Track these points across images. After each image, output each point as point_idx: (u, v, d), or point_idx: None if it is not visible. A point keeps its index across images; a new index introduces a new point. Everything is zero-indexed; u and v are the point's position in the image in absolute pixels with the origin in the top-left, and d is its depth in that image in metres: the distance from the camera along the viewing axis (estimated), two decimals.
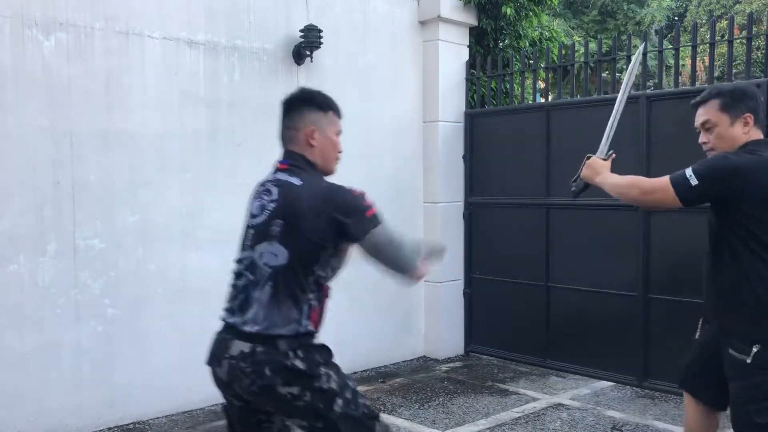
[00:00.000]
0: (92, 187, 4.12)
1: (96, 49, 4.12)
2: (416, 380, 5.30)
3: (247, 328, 2.10)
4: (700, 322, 2.92)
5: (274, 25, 4.94)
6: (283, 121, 2.32)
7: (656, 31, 16.08)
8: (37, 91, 3.91)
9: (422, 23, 5.87)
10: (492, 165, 5.85)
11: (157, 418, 4.41)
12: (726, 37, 4.80)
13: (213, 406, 4.65)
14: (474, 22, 6.03)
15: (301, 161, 2.25)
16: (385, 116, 5.63)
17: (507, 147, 5.72)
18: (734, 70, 5.41)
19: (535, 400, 4.79)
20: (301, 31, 4.92)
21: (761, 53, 8.42)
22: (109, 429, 4.21)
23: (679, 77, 5.06)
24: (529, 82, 6.21)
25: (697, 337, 2.96)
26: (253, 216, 2.23)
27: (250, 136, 4.81)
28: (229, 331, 2.17)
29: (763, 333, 2.43)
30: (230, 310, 2.20)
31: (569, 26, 17.37)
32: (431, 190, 5.90)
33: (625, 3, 17.88)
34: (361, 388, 5.06)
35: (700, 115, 2.73)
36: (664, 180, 2.62)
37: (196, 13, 4.54)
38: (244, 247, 2.24)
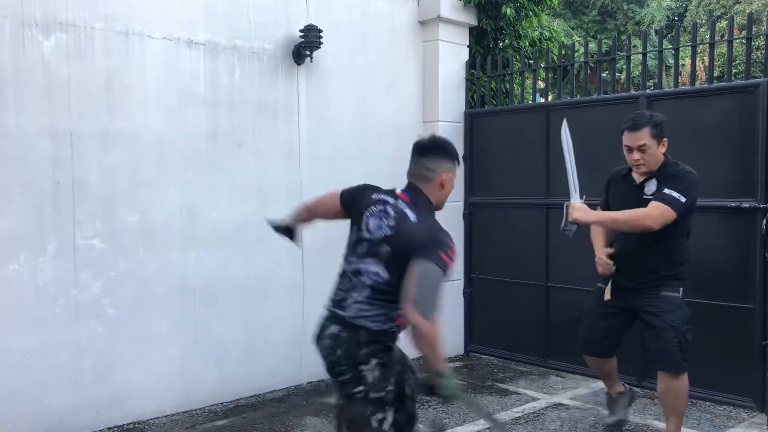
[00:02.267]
0: (92, 187, 4.12)
1: (96, 49, 4.12)
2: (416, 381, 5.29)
3: (342, 313, 2.60)
4: (610, 287, 3.78)
5: (274, 25, 4.94)
6: (420, 161, 2.67)
7: (656, 31, 16.07)
8: (37, 91, 3.92)
9: (422, 23, 5.87)
10: (492, 165, 5.86)
11: (157, 418, 4.41)
12: (726, 37, 4.81)
13: (213, 405, 4.66)
14: (474, 22, 6.04)
15: (421, 199, 2.64)
16: (385, 116, 5.63)
17: (507, 147, 5.72)
18: (734, 70, 5.41)
19: (535, 399, 4.80)
20: (301, 31, 4.92)
21: (761, 53, 8.42)
22: (109, 429, 4.21)
23: (679, 77, 5.06)
24: (529, 82, 6.21)
25: (607, 299, 3.79)
26: (369, 231, 2.62)
27: (250, 136, 4.82)
28: (329, 317, 2.67)
29: (682, 279, 3.62)
30: (332, 303, 2.69)
31: (569, 26, 17.38)
32: None
33: (625, 3, 17.89)
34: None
35: (638, 138, 3.54)
36: (662, 206, 3.44)
37: (196, 13, 4.54)
38: (355, 253, 2.65)
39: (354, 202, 2.75)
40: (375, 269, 2.55)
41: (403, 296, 2.44)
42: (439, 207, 2.72)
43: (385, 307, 2.55)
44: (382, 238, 2.55)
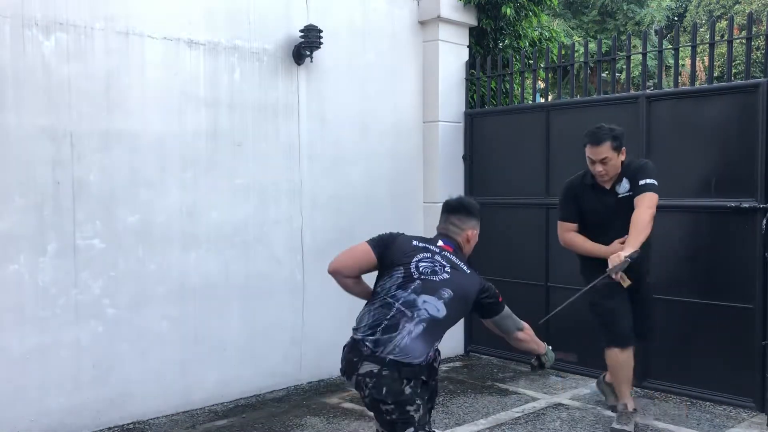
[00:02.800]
0: (92, 187, 4.12)
1: (96, 49, 4.13)
2: None
3: (381, 353, 2.73)
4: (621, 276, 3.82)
5: (274, 26, 4.94)
6: (451, 218, 3.13)
7: (656, 31, 16.07)
8: (37, 91, 3.92)
9: (422, 23, 5.87)
10: (492, 165, 5.86)
11: (157, 418, 4.41)
12: (726, 37, 4.81)
13: (213, 405, 4.66)
14: (474, 22, 6.04)
15: (459, 249, 3.08)
16: (385, 116, 5.63)
17: (507, 147, 5.72)
18: (734, 70, 5.41)
19: (534, 399, 4.80)
20: (301, 31, 4.92)
21: (761, 53, 8.42)
22: (109, 429, 4.21)
23: (679, 77, 5.06)
24: (528, 82, 6.21)
25: (628, 284, 3.84)
26: (421, 272, 2.90)
27: (250, 136, 4.82)
28: (360, 353, 2.78)
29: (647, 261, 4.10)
30: (369, 333, 2.81)
31: (569, 26, 17.37)
32: (431, 190, 5.90)
33: (625, 3, 17.87)
34: None
35: (601, 153, 3.91)
36: (649, 194, 3.81)
37: (196, 13, 4.54)
38: (405, 289, 2.86)
39: (389, 248, 3.00)
40: (435, 304, 2.82)
41: (506, 332, 3.11)
42: (467, 256, 3.16)
43: (433, 342, 2.84)
44: (442, 281, 2.87)
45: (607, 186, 4.04)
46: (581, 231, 4.21)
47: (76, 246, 4.06)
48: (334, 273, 3.09)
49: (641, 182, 3.85)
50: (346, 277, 3.07)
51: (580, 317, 5.30)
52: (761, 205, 4.32)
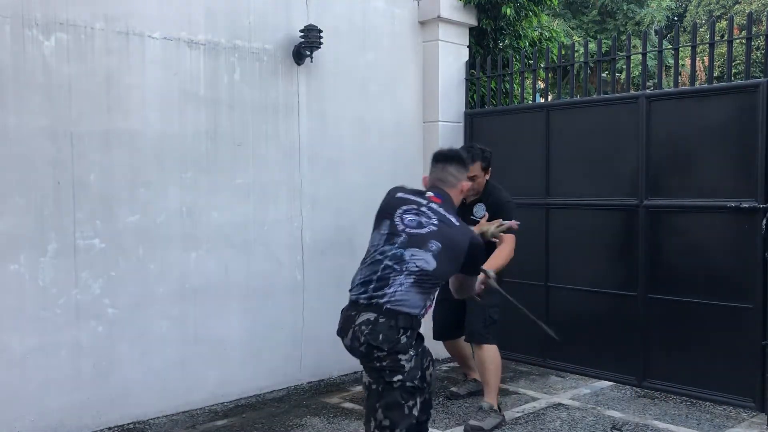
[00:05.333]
0: (92, 187, 4.12)
1: (96, 49, 4.13)
2: None
3: (377, 301, 2.75)
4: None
5: (274, 26, 4.94)
6: (448, 168, 3.06)
7: (656, 31, 16.08)
8: (37, 91, 3.91)
9: (422, 23, 5.87)
10: (492, 165, 5.84)
11: (157, 418, 4.41)
12: (725, 38, 4.81)
13: (213, 405, 4.66)
14: (474, 23, 6.04)
15: (449, 201, 3.01)
16: (385, 116, 5.63)
17: (507, 147, 5.72)
18: (734, 70, 5.41)
19: (534, 399, 4.80)
20: (301, 31, 4.92)
21: (761, 53, 8.41)
22: (109, 429, 4.21)
23: (679, 77, 5.06)
24: (528, 82, 6.21)
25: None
26: (406, 224, 2.88)
27: (250, 136, 4.82)
28: (357, 307, 2.81)
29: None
30: (362, 290, 2.82)
31: (569, 26, 17.37)
32: None
33: (625, 3, 17.88)
34: (360, 388, 5.07)
35: (471, 171, 4.13)
36: (514, 238, 4.29)
37: (196, 13, 4.54)
38: (392, 243, 2.85)
39: (381, 205, 3.03)
40: (423, 257, 2.80)
41: (466, 290, 3.13)
42: (458, 206, 3.13)
43: (423, 293, 2.80)
44: (428, 233, 2.84)
45: (467, 201, 4.41)
46: None
47: (76, 246, 4.06)
48: None
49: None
50: None
51: (581, 317, 5.31)
52: (761, 205, 4.33)
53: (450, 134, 5.91)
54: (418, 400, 2.77)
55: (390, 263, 2.80)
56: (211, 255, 4.64)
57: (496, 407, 4.32)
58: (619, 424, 4.29)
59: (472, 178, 4.22)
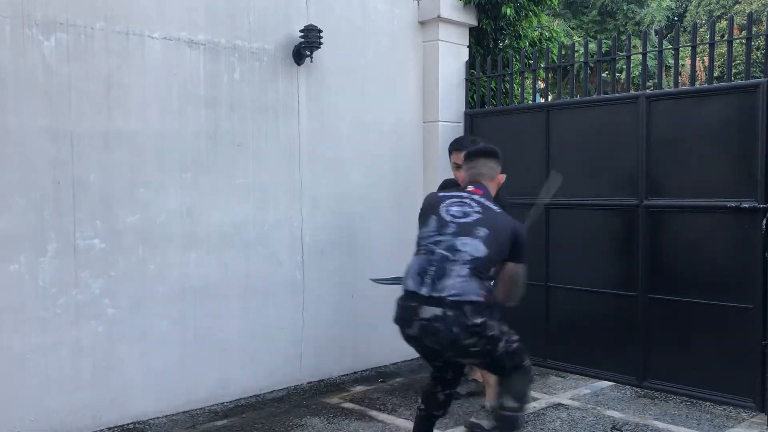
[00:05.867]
0: (92, 187, 4.12)
1: (96, 49, 4.13)
2: (416, 380, 5.30)
3: (439, 295, 2.90)
4: None
5: (274, 26, 4.94)
6: (489, 163, 3.33)
7: (656, 31, 16.08)
8: (37, 91, 3.92)
9: (422, 23, 5.87)
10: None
11: (157, 418, 4.41)
12: (726, 37, 4.80)
13: (213, 405, 4.66)
14: (474, 23, 6.04)
15: (488, 192, 3.27)
16: (385, 116, 5.63)
17: (507, 147, 5.66)
18: (734, 70, 5.41)
19: (534, 399, 4.79)
20: (301, 31, 4.92)
21: (761, 53, 8.42)
22: (109, 429, 4.21)
23: (679, 77, 5.06)
24: (528, 82, 6.21)
25: None
26: (454, 215, 3.09)
27: (250, 137, 4.82)
28: (417, 298, 2.94)
29: None
30: (419, 280, 2.97)
31: (569, 26, 17.38)
32: (431, 190, 5.85)
33: (625, 3, 17.88)
34: (360, 388, 5.09)
35: (459, 158, 4.14)
36: None
37: (196, 13, 4.54)
38: (443, 234, 3.05)
39: (423, 210, 3.27)
40: (473, 244, 2.99)
41: (503, 287, 3.23)
42: (493, 196, 3.34)
43: (481, 278, 2.98)
44: (475, 221, 3.05)
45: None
46: None
47: (76, 246, 4.06)
48: None
49: None
50: None
51: (581, 318, 5.31)
52: (761, 205, 4.33)
53: (450, 134, 5.89)
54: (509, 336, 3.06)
55: (444, 253, 2.98)
56: (211, 255, 4.64)
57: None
58: (619, 424, 4.29)
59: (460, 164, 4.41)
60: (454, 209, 3.12)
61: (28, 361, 3.91)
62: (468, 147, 4.41)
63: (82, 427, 4.11)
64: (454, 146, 4.48)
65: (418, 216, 3.30)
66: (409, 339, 3.07)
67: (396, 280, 4.32)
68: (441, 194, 3.27)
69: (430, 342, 2.98)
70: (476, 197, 3.18)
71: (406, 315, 3.00)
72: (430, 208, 3.20)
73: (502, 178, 3.38)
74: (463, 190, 3.26)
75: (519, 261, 3.21)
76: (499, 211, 3.15)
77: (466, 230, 3.03)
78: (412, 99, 5.86)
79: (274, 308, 4.99)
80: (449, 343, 2.93)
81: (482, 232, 3.03)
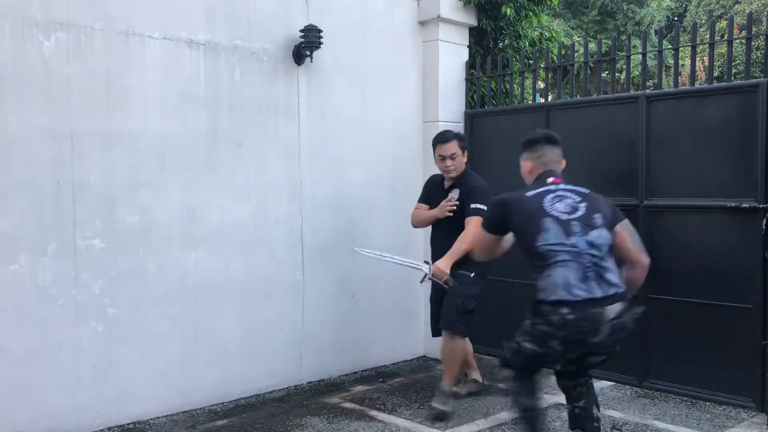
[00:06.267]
0: (92, 187, 4.12)
1: (96, 49, 4.13)
2: (416, 380, 5.30)
3: (612, 291, 2.98)
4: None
5: (274, 26, 4.94)
6: (555, 150, 3.40)
7: (656, 31, 16.07)
8: (37, 91, 3.92)
9: (422, 23, 5.87)
10: (492, 165, 5.84)
11: (157, 418, 4.41)
12: (725, 37, 4.80)
13: (213, 405, 4.66)
14: (474, 23, 6.04)
15: (562, 177, 3.32)
16: (384, 116, 5.63)
17: (507, 147, 5.70)
18: (734, 70, 5.41)
19: None
20: (301, 31, 4.92)
21: (761, 53, 8.42)
22: (109, 429, 4.21)
23: (679, 77, 5.06)
24: (528, 82, 6.21)
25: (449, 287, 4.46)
26: (564, 212, 3.09)
27: (250, 136, 4.82)
28: (598, 302, 2.95)
29: (475, 264, 4.22)
30: (586, 287, 2.97)
31: (569, 26, 17.39)
32: None
33: (625, 3, 17.90)
34: (360, 388, 5.09)
35: (449, 149, 4.56)
36: (479, 221, 4.08)
37: (196, 13, 4.54)
38: (572, 234, 3.04)
39: (508, 220, 3.25)
40: (600, 233, 3.05)
41: (631, 250, 3.19)
42: None
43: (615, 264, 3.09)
44: (586, 210, 3.09)
45: (447, 185, 4.69)
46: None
47: (76, 246, 4.06)
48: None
49: (472, 206, 4.42)
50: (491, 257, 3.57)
51: None
52: (761, 205, 4.33)
53: None
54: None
55: (590, 251, 3.01)
56: (211, 255, 4.64)
57: (454, 389, 4.61)
58: (619, 424, 4.29)
59: (452, 156, 4.56)
60: (560, 207, 3.11)
61: (28, 361, 3.91)
62: (451, 137, 4.61)
63: (82, 427, 4.11)
64: (439, 139, 4.64)
65: (514, 225, 3.23)
66: (596, 346, 3.05)
67: (378, 255, 4.64)
68: (527, 196, 3.20)
69: (613, 341, 3.04)
70: (562, 186, 3.22)
71: (593, 323, 2.95)
72: (531, 214, 3.12)
73: (564, 163, 3.43)
74: (545, 185, 3.24)
75: (623, 219, 3.24)
76: (587, 190, 3.22)
77: (587, 224, 3.06)
78: (412, 99, 5.86)
79: (274, 308, 4.99)
80: (625, 336, 3.04)
81: (598, 218, 3.08)
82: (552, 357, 3.16)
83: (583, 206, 3.12)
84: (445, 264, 4.40)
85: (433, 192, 4.83)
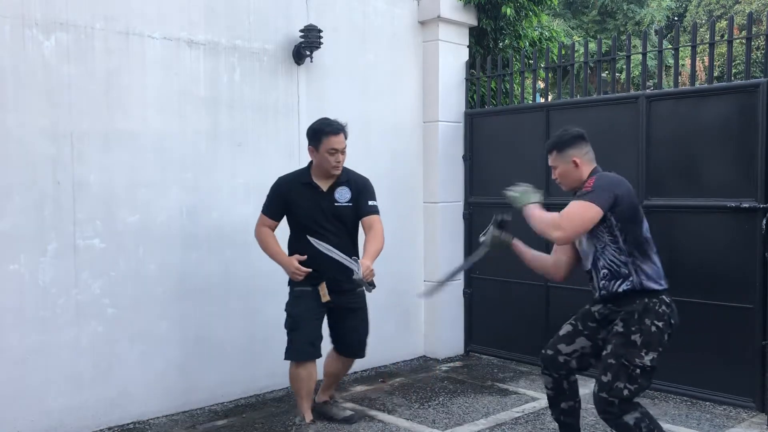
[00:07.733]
0: (92, 187, 4.12)
1: (96, 49, 4.13)
2: (416, 380, 5.30)
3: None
4: (325, 289, 4.05)
5: (274, 26, 4.94)
6: (589, 144, 3.56)
7: (656, 31, 16.07)
8: (37, 91, 3.92)
9: (422, 23, 5.87)
10: (492, 165, 5.85)
11: (157, 418, 4.41)
12: (726, 37, 4.80)
13: (213, 405, 4.66)
14: (474, 22, 6.04)
15: None
16: (384, 116, 5.63)
17: (507, 147, 5.72)
18: (734, 70, 5.41)
19: (535, 399, 4.79)
20: (301, 31, 4.92)
21: (761, 53, 8.42)
22: (109, 429, 4.21)
23: (679, 77, 5.06)
24: (528, 82, 6.22)
25: (327, 299, 4.06)
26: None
27: (251, 136, 4.82)
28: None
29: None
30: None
31: (569, 26, 17.39)
32: (431, 190, 5.90)
33: (625, 3, 17.90)
34: (360, 388, 5.09)
35: (343, 142, 4.00)
36: (376, 218, 4.13)
37: (196, 13, 4.54)
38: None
39: (625, 197, 3.30)
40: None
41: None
42: None
43: None
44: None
45: (324, 187, 4.06)
46: (294, 229, 4.16)
47: (76, 246, 4.06)
48: (566, 241, 3.49)
49: (370, 203, 4.09)
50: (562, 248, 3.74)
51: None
52: (761, 205, 4.33)
53: (450, 134, 5.91)
54: None
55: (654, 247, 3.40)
56: (212, 255, 4.64)
57: (307, 419, 4.14)
58: None
59: (343, 150, 4.04)
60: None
61: (28, 361, 3.91)
62: (341, 128, 3.99)
63: (82, 427, 4.11)
64: (330, 130, 3.99)
65: (627, 208, 3.30)
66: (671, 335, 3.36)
67: (326, 249, 3.91)
68: (626, 184, 3.38)
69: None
70: None
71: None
72: (636, 200, 3.41)
73: (578, 161, 3.58)
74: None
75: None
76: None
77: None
78: (412, 99, 5.86)
79: (274, 308, 4.96)
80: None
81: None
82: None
83: None
84: (371, 264, 3.87)
85: (294, 199, 4.06)
